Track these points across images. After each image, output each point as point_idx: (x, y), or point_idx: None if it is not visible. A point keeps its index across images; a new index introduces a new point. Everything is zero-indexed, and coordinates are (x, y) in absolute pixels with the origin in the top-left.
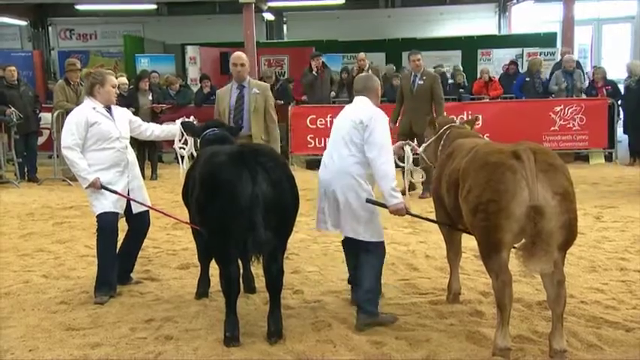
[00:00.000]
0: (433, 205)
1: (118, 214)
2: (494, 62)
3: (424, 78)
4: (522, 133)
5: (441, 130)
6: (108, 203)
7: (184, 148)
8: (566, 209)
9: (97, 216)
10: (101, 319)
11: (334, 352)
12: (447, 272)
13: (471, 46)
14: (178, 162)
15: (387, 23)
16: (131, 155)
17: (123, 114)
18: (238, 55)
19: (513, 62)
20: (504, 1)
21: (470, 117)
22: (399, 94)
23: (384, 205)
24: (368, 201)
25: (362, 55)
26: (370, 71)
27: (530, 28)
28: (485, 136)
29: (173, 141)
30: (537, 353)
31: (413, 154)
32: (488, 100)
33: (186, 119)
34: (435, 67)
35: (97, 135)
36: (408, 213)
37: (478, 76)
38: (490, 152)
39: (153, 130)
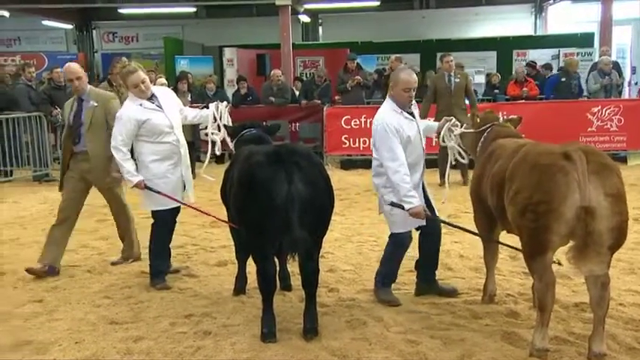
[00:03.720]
0: (472, 204)
1: (172, 209)
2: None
3: (459, 76)
4: (559, 134)
5: (484, 127)
6: (163, 200)
7: (216, 134)
8: (618, 211)
9: (152, 212)
10: (142, 313)
11: (369, 349)
12: (481, 272)
13: (506, 47)
14: (208, 150)
15: (422, 24)
16: (183, 148)
17: (168, 97)
18: (71, 70)
19: (547, 66)
20: (541, 1)
21: (510, 116)
22: (432, 94)
23: (404, 208)
24: (391, 204)
25: (395, 56)
26: None
27: (567, 29)
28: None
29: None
30: (574, 355)
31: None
32: (523, 100)
33: (220, 104)
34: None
35: (151, 130)
36: (427, 216)
37: (513, 76)
38: (540, 153)
39: (186, 115)
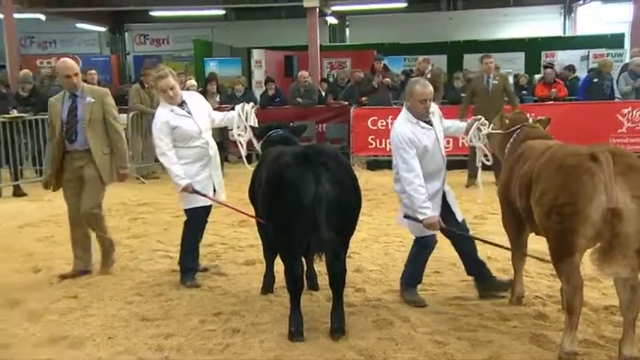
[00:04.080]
0: (500, 206)
1: (205, 207)
2: (559, 64)
3: (497, 78)
4: (588, 135)
5: (513, 128)
6: (196, 198)
7: (242, 135)
8: None
9: (186, 210)
10: (173, 310)
11: (396, 349)
12: (509, 274)
13: (534, 48)
14: (241, 150)
15: (449, 25)
16: (213, 149)
17: (199, 104)
18: (69, 66)
19: (570, 67)
20: (570, 2)
21: (539, 117)
22: (469, 95)
23: (420, 221)
24: (405, 216)
25: (422, 57)
26: (431, 75)
27: (597, 29)
28: None
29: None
30: (604, 358)
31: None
32: (552, 101)
33: (246, 105)
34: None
35: (181, 136)
36: (442, 228)
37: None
38: (567, 154)
39: (214, 119)
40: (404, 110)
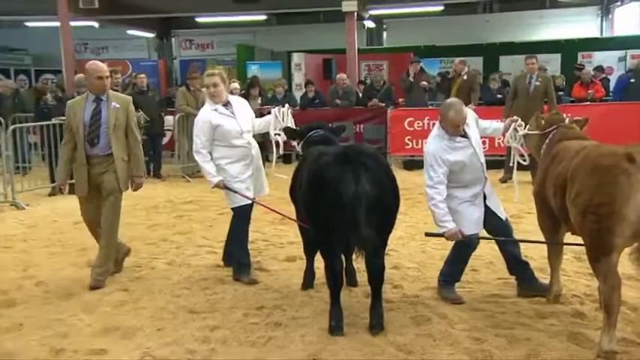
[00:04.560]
0: (535, 206)
1: (250, 205)
2: (596, 65)
3: (539, 79)
4: (625, 136)
5: (549, 129)
6: (242, 197)
7: (279, 135)
8: None
9: (233, 208)
10: (218, 304)
11: (434, 345)
12: (545, 273)
13: (571, 50)
14: (273, 150)
15: (485, 28)
16: (255, 149)
17: (242, 106)
18: (101, 68)
19: (598, 68)
20: (607, 3)
21: (576, 118)
22: (512, 94)
23: (442, 235)
24: (427, 234)
25: (459, 59)
26: (467, 76)
27: (635, 30)
28: None
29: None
30: None
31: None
32: (588, 102)
33: (282, 108)
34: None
35: (223, 135)
36: (463, 236)
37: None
38: (602, 155)
39: (254, 124)
40: (437, 127)
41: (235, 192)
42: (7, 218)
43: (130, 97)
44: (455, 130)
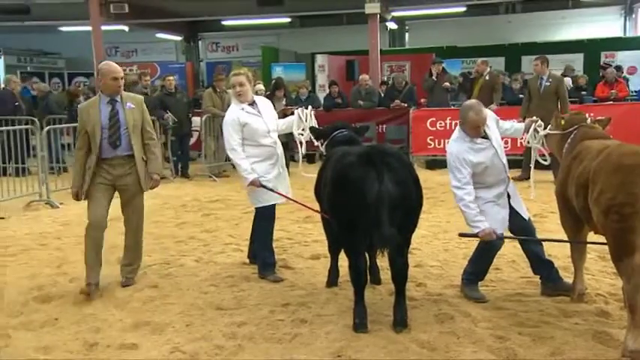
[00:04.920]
0: (557, 205)
1: (274, 204)
2: (619, 64)
3: (550, 80)
4: None
5: (570, 129)
6: (267, 197)
7: (303, 134)
8: None
9: (257, 208)
10: (244, 301)
11: (457, 343)
12: (569, 272)
13: (594, 49)
14: (299, 150)
15: (507, 28)
16: (280, 149)
17: (267, 106)
18: (116, 69)
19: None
20: (631, 3)
21: (599, 117)
22: (527, 95)
23: (475, 235)
24: (460, 235)
25: (481, 60)
26: (489, 76)
27: None
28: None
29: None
30: None
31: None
32: (611, 102)
33: (305, 109)
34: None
35: (250, 133)
36: (498, 237)
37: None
38: (624, 154)
39: (278, 125)
40: (458, 129)
41: (271, 190)
42: (42, 216)
43: (142, 97)
44: (476, 131)
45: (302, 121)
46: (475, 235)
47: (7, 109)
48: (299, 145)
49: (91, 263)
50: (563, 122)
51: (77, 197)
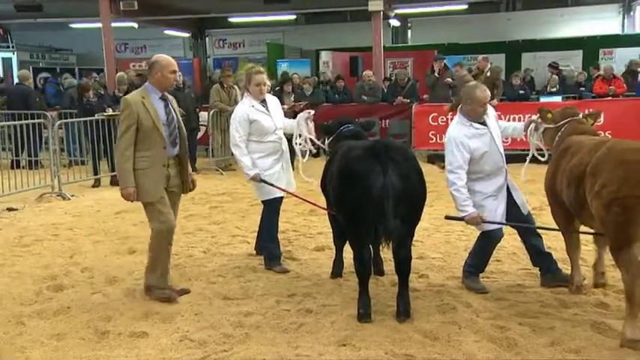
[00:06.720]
0: (547, 199)
1: (280, 197)
2: (617, 61)
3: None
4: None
5: (561, 122)
6: (271, 190)
7: (301, 144)
8: None
9: (263, 201)
10: (251, 290)
11: (459, 333)
12: (568, 264)
13: (592, 46)
14: (298, 157)
15: (508, 26)
16: (285, 145)
17: (276, 104)
18: (174, 61)
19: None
20: (629, 0)
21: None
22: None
23: (461, 219)
24: (447, 217)
25: (482, 56)
26: (490, 73)
27: None
28: (607, 134)
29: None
30: None
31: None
32: (610, 98)
33: (307, 113)
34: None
35: (258, 130)
36: (484, 221)
37: (601, 74)
38: (626, 150)
39: (284, 123)
40: (458, 115)
41: (271, 185)
42: (54, 208)
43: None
44: (481, 110)
45: (301, 130)
46: (461, 219)
47: (30, 105)
48: (299, 154)
49: (167, 269)
50: (550, 115)
51: (131, 198)
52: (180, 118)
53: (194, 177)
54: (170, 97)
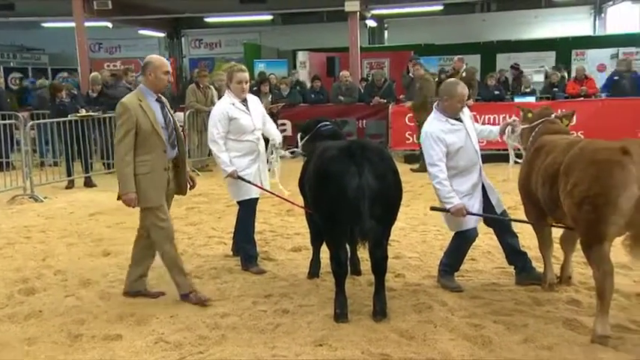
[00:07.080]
0: (521, 198)
1: (255, 198)
2: (589, 62)
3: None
4: (617, 131)
5: (535, 122)
6: (247, 190)
7: (275, 160)
8: None
9: (238, 202)
10: (227, 292)
11: (435, 331)
12: (541, 262)
13: (565, 47)
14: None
15: (483, 27)
16: (262, 146)
17: (257, 104)
18: (166, 62)
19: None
20: (600, 2)
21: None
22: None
23: (447, 210)
24: (432, 208)
25: (458, 57)
26: (466, 73)
27: (628, 28)
28: (579, 134)
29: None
30: (637, 342)
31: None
32: (582, 98)
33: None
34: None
35: (237, 129)
36: (468, 213)
37: (573, 75)
38: (597, 149)
39: (264, 123)
40: (434, 111)
41: (249, 182)
42: (26, 210)
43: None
44: (459, 105)
45: (274, 151)
46: (447, 210)
47: (1, 105)
48: (274, 168)
49: (184, 272)
50: (530, 115)
51: (132, 204)
52: (177, 120)
53: (192, 175)
54: (164, 99)
